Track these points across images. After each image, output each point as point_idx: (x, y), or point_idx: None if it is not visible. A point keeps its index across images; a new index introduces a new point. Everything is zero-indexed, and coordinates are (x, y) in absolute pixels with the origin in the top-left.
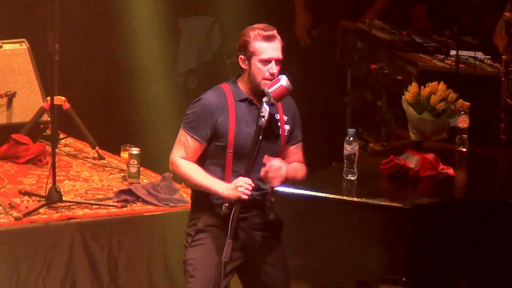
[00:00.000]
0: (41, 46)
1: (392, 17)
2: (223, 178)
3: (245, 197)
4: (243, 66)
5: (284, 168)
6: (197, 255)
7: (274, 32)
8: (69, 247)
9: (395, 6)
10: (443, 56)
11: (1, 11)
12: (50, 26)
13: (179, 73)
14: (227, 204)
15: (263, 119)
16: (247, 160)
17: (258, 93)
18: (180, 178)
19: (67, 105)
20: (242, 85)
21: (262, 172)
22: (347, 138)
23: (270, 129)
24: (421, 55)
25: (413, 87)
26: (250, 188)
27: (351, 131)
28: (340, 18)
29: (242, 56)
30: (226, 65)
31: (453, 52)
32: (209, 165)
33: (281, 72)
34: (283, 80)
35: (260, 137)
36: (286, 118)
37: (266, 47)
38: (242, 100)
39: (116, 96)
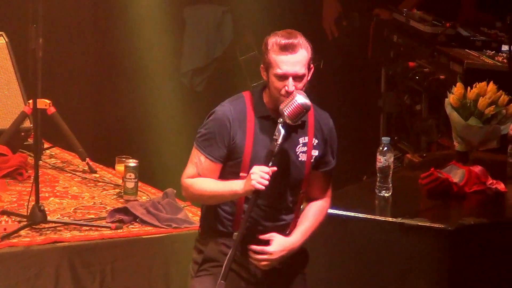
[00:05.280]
0: (21, 40)
1: (434, 6)
2: (234, 205)
3: (261, 186)
4: (264, 77)
5: (277, 255)
6: (201, 287)
7: (296, 40)
8: (55, 275)
9: None
10: (494, 52)
11: None
12: (32, 17)
13: (184, 73)
14: (236, 233)
15: (276, 142)
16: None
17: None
18: (195, 200)
19: (52, 110)
20: (266, 97)
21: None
22: (381, 148)
23: (293, 155)
24: (468, 51)
25: (458, 89)
26: (267, 176)
27: (385, 139)
28: (374, 7)
29: (262, 65)
30: (239, 62)
31: (505, 48)
32: None
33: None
34: (299, 97)
35: (271, 164)
36: (316, 141)
37: (282, 60)
38: (263, 117)
39: (109, 99)
